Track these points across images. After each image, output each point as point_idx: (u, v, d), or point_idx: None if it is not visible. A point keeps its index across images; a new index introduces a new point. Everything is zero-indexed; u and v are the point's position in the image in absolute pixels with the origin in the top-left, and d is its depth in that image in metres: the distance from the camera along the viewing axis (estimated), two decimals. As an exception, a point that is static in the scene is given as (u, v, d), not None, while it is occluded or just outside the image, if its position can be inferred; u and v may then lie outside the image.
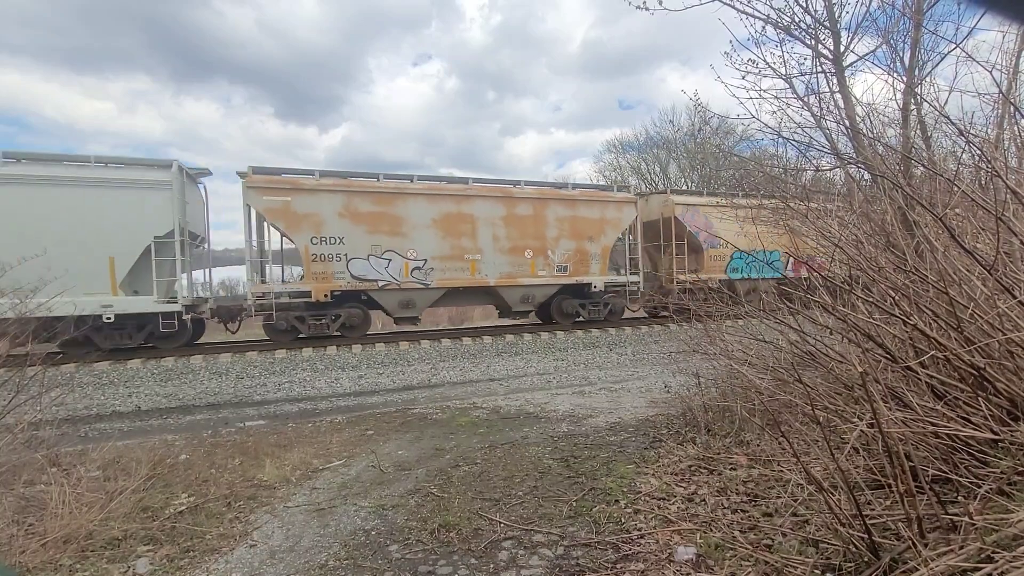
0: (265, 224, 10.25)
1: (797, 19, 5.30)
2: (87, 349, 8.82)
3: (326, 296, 9.91)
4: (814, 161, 6.13)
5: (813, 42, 5.32)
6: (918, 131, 5.12)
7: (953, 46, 4.43)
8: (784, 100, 5.50)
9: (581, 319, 12.29)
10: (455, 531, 2.88)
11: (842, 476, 1.91)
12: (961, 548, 1.52)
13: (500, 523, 2.95)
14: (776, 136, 5.77)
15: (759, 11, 5.28)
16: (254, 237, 10.14)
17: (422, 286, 10.63)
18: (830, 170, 6.41)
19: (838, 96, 5.33)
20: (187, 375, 8.78)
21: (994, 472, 1.81)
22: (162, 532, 3.03)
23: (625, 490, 3.28)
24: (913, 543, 1.66)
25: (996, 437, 1.89)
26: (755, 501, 2.83)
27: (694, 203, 13.25)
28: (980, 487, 1.75)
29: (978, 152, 3.29)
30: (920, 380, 2.28)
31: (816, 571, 1.94)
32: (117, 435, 5.94)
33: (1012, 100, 3.94)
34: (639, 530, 2.71)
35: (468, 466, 4.08)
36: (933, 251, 2.56)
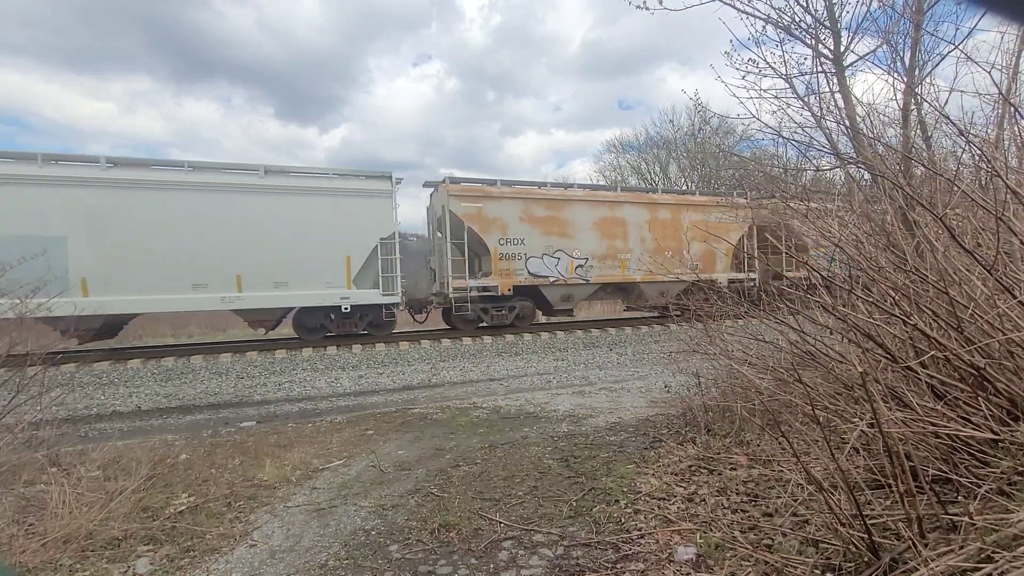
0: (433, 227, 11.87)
1: (797, 19, 5.31)
2: (322, 334, 10.42)
3: (509, 290, 11.32)
4: (814, 161, 6.14)
5: (813, 42, 5.33)
6: (918, 131, 5.11)
7: (953, 47, 4.43)
8: (784, 100, 5.51)
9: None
10: (455, 531, 2.88)
11: (842, 476, 1.91)
12: (961, 548, 1.52)
13: (500, 523, 2.95)
14: (776, 136, 5.78)
15: (759, 11, 5.29)
16: (453, 238, 11.10)
17: (583, 282, 12.00)
18: (830, 170, 6.42)
19: (838, 96, 5.34)
20: (187, 375, 8.78)
21: (994, 472, 1.81)
22: (162, 532, 3.03)
23: (625, 490, 3.28)
24: (913, 543, 1.66)
25: (996, 437, 1.89)
26: (755, 501, 2.83)
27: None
28: (980, 487, 1.75)
29: (978, 152, 3.29)
30: (920, 380, 2.28)
31: (816, 571, 1.94)
32: (117, 435, 5.94)
33: (1012, 100, 3.94)
34: (639, 530, 2.71)
35: (468, 466, 4.08)
36: (933, 251, 2.56)
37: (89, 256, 8.47)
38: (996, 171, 2.39)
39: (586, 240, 11.94)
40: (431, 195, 12.50)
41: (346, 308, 10.06)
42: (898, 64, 5.19)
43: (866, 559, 1.82)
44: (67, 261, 8.33)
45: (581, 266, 11.90)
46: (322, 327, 10.38)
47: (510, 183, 11.86)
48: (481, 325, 11.59)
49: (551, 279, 11.63)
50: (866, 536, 1.79)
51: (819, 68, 5.37)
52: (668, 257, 12.50)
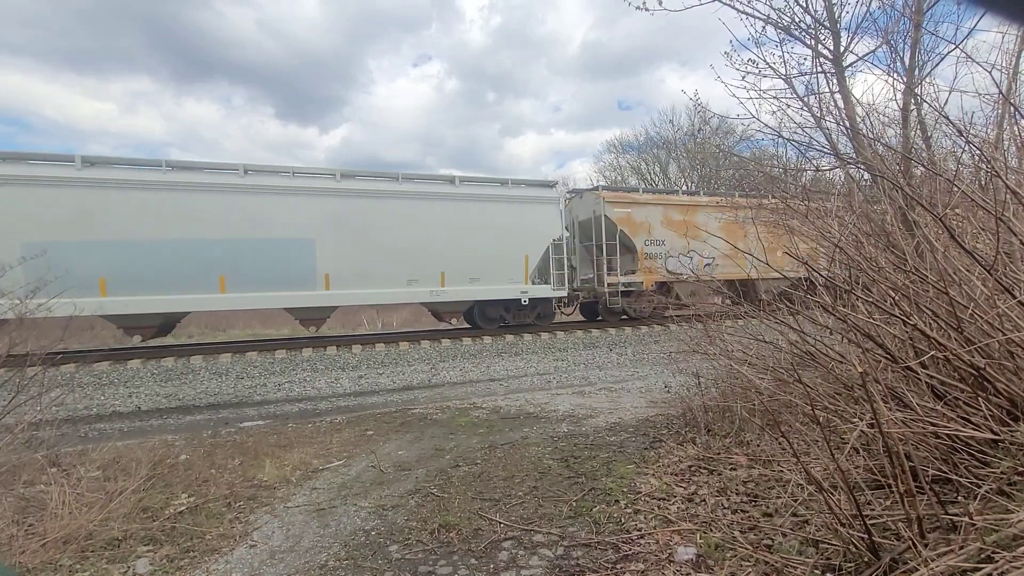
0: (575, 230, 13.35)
1: (797, 19, 5.30)
2: (497, 324, 11.79)
3: (652, 286, 12.56)
4: (814, 161, 6.13)
5: (813, 42, 5.32)
6: (918, 131, 5.11)
7: (953, 47, 4.43)
8: (784, 100, 5.50)
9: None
10: (455, 531, 2.88)
11: (842, 476, 1.91)
12: (961, 548, 1.52)
13: (500, 523, 2.94)
14: (776, 136, 5.77)
15: (759, 11, 5.28)
16: (607, 239, 12.42)
17: (709, 279, 13.17)
18: (830, 170, 6.41)
19: (838, 96, 5.33)
20: (187, 375, 8.78)
21: (994, 472, 1.81)
22: (162, 532, 3.03)
23: (625, 490, 3.28)
24: (913, 543, 1.66)
25: (996, 437, 1.89)
26: (755, 501, 2.83)
27: None
28: (980, 487, 1.75)
29: (978, 152, 3.29)
30: (920, 380, 2.28)
31: (816, 571, 1.94)
32: (117, 435, 5.94)
33: (1012, 100, 3.94)
34: (639, 530, 2.71)
35: (468, 466, 4.07)
36: (933, 251, 2.56)
37: (330, 256, 9.88)
38: (996, 171, 2.39)
39: (713, 241, 13.02)
40: (569, 200, 13.89)
41: (525, 301, 11.47)
42: (898, 64, 5.18)
43: (866, 559, 1.82)
44: (315, 260, 9.80)
45: (708, 264, 13.03)
46: (501, 318, 11.79)
47: (651, 191, 14.01)
48: (623, 317, 12.80)
49: (683, 276, 12.63)
50: (866, 536, 1.79)
51: (819, 68, 5.37)
52: (779, 256, 13.38)
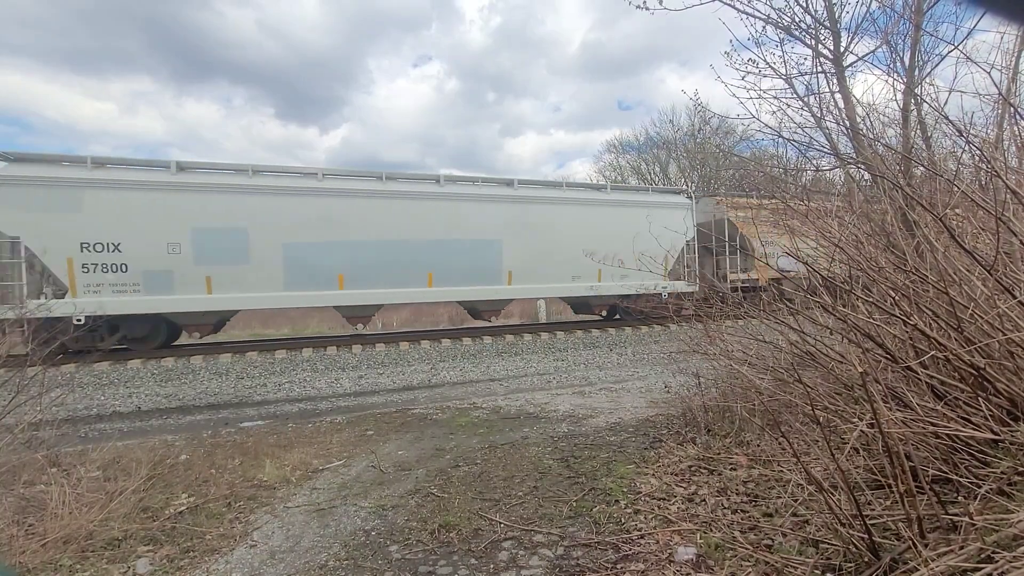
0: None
1: (797, 19, 5.31)
2: (637, 317, 12.37)
3: (766, 282, 12.83)
4: (814, 161, 6.14)
5: (813, 42, 5.33)
6: (918, 131, 5.11)
7: (952, 47, 4.43)
8: (784, 100, 5.51)
9: None
10: (455, 531, 2.88)
11: (842, 476, 1.91)
12: (961, 548, 1.52)
13: (500, 523, 2.94)
14: (776, 136, 5.78)
15: (759, 11, 5.29)
16: (731, 241, 13.62)
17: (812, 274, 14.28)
18: (830, 170, 6.42)
19: (838, 96, 5.34)
20: (187, 375, 8.78)
21: (994, 472, 1.81)
22: (162, 532, 3.03)
23: (625, 490, 3.28)
24: (913, 543, 1.66)
25: (996, 437, 1.89)
26: (755, 501, 2.83)
27: None
28: (980, 487, 1.75)
29: (978, 152, 3.29)
30: (920, 380, 2.28)
31: (816, 571, 1.94)
32: (117, 435, 5.93)
33: (1011, 100, 3.94)
34: (639, 530, 2.71)
35: (468, 466, 4.07)
36: (933, 251, 2.56)
37: (512, 254, 11.26)
38: (996, 171, 2.39)
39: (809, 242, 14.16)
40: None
41: (665, 296, 12.24)
42: (898, 64, 5.19)
43: (866, 559, 1.82)
44: (502, 259, 11.21)
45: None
46: (641, 312, 12.80)
47: (763, 196, 14.71)
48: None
49: (788, 273, 13.33)
50: (866, 536, 1.79)
51: (819, 68, 5.37)
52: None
